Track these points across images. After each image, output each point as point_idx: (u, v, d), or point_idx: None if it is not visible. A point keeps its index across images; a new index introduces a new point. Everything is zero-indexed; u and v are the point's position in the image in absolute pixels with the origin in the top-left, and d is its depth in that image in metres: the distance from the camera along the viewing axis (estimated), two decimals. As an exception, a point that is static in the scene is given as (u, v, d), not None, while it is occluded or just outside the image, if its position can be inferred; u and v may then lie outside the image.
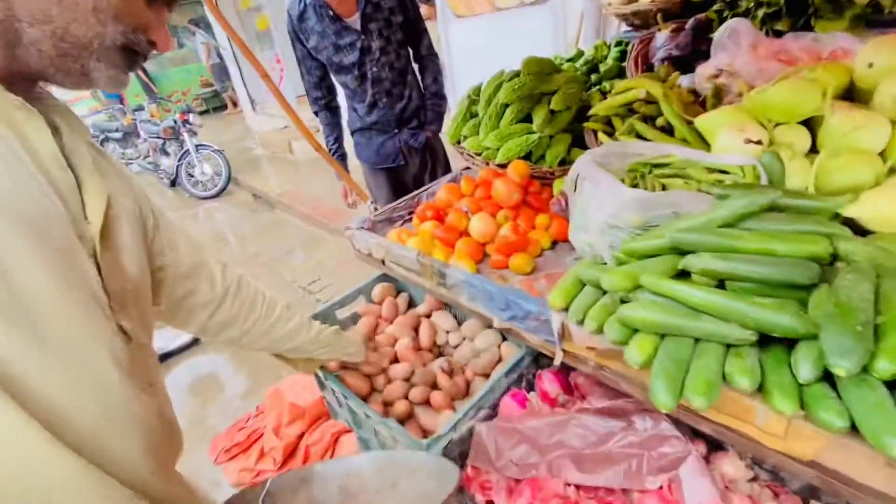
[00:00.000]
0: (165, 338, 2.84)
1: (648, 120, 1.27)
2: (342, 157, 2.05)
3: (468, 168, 1.57)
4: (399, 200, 1.46)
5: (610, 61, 1.82)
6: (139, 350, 0.60)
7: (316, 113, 2.00)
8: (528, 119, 1.43)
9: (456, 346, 1.34)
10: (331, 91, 1.99)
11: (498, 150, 1.40)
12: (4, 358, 0.43)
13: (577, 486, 0.83)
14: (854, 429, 0.55)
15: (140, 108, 6.45)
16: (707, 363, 0.64)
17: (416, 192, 1.49)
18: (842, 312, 0.58)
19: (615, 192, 0.90)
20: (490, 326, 1.33)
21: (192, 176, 5.48)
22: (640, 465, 0.83)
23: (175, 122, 5.36)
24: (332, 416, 1.43)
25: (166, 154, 5.71)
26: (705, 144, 1.12)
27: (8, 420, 0.43)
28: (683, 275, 0.76)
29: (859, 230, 0.79)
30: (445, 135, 1.62)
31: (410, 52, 2.02)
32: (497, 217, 1.21)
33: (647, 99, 1.28)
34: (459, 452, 0.92)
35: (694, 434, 0.90)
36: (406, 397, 1.12)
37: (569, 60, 1.98)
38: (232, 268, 0.89)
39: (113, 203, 0.59)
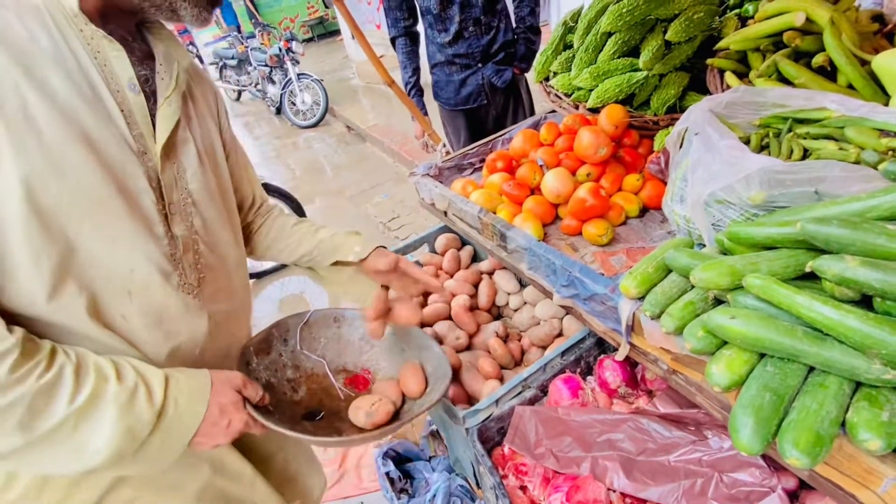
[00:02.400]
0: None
1: (802, 57, 0.96)
2: (419, 93, 1.93)
3: (554, 112, 1.37)
4: (471, 146, 1.33)
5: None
6: (191, 253, 0.69)
7: (394, 40, 1.87)
8: (635, 53, 1.18)
9: (516, 310, 1.25)
10: (412, 13, 1.83)
11: (591, 91, 1.19)
12: (72, 230, 0.55)
13: (623, 495, 0.73)
14: None
15: (252, 36, 6.74)
16: (821, 405, 0.48)
17: (491, 137, 1.34)
18: None
19: (734, 156, 0.69)
20: (555, 295, 1.21)
21: (294, 104, 5.72)
22: (707, 486, 0.70)
23: (280, 49, 5.53)
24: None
25: (272, 82, 5.99)
26: (884, 96, 0.82)
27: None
28: (808, 281, 0.57)
29: None
30: (534, 71, 1.42)
31: None
32: (577, 174, 1.04)
33: (805, 28, 0.96)
34: (498, 429, 0.87)
35: (780, 468, 0.74)
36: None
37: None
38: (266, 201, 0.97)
39: (185, 127, 0.68)
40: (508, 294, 1.27)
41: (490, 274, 1.33)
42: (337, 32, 9.71)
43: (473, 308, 1.25)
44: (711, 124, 0.76)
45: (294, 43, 5.57)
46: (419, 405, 0.81)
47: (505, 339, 1.16)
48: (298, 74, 5.52)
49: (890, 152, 0.69)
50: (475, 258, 1.43)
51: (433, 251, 1.44)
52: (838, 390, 0.50)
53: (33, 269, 0.53)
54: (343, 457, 1.76)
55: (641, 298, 0.71)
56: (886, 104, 0.80)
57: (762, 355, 0.56)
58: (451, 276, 1.32)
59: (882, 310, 0.51)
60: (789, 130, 0.84)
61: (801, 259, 0.57)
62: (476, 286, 1.30)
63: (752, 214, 0.68)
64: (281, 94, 5.70)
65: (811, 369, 0.54)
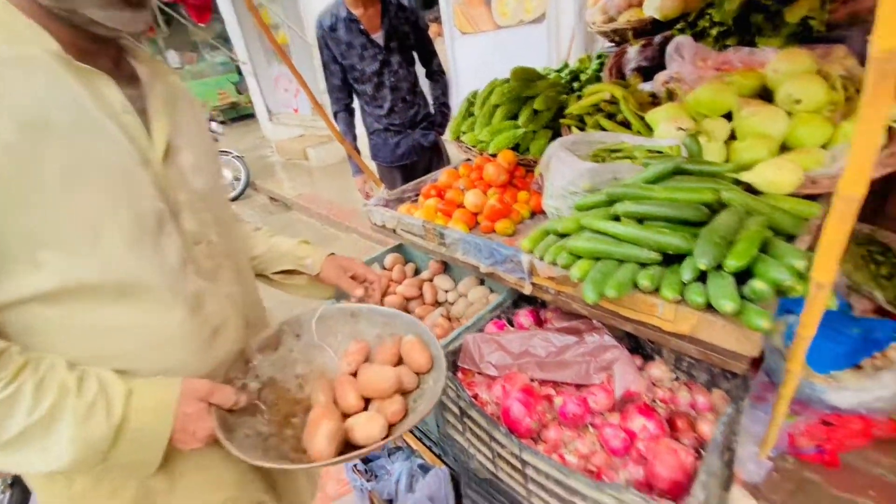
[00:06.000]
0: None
1: (611, 117, 1.56)
2: (358, 154, 2.37)
3: (468, 160, 1.86)
4: (408, 184, 1.75)
5: (590, 72, 2.12)
6: (204, 244, 0.76)
7: (335, 114, 2.31)
8: (515, 117, 1.73)
9: (453, 303, 1.62)
10: (350, 94, 2.31)
11: (490, 142, 1.70)
12: (106, 239, 0.62)
13: (540, 382, 1.09)
14: (716, 312, 0.82)
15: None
16: (623, 274, 0.92)
17: (421, 179, 1.78)
18: (710, 232, 0.86)
19: (573, 165, 1.18)
20: (482, 283, 1.60)
21: (214, 180, 5.84)
22: (589, 367, 1.09)
23: (199, 129, 5.75)
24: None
25: (190, 160, 6.08)
26: (652, 133, 1.40)
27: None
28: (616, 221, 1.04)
29: (756, 193, 1.07)
30: (448, 134, 1.92)
31: (418, 70, 2.37)
32: (487, 193, 1.49)
33: (611, 100, 1.57)
34: (453, 361, 1.19)
35: (632, 351, 1.17)
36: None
37: (557, 71, 2.28)
38: None
39: (177, 135, 0.74)
40: (446, 291, 1.64)
41: (430, 280, 1.70)
42: (251, 116, 10.10)
43: (422, 304, 1.59)
44: (561, 150, 1.26)
45: (213, 123, 5.83)
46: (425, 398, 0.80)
47: (448, 319, 1.50)
48: (219, 151, 5.73)
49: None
50: (417, 272, 1.79)
51: (383, 268, 1.77)
52: (632, 268, 0.94)
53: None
54: (306, 473, 1.87)
55: (532, 253, 1.13)
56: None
57: (597, 259, 0.99)
58: (401, 283, 1.66)
59: (648, 225, 0.97)
60: (609, 155, 1.38)
61: (609, 210, 1.04)
62: (420, 289, 1.65)
63: (588, 196, 1.16)
64: (199, 171, 5.80)
65: (622, 262, 0.98)
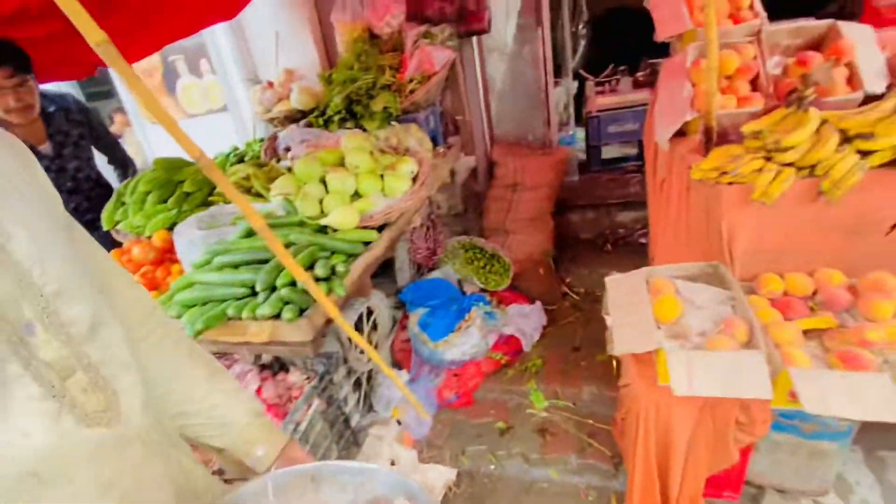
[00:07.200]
0: None
1: (249, 190, 1.91)
2: None
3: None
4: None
5: (251, 153, 2.48)
6: (80, 371, 0.52)
7: None
8: (168, 201, 1.90)
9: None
10: None
11: (146, 225, 1.82)
12: None
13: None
14: (278, 318, 1.16)
15: None
16: (219, 311, 1.19)
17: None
18: (270, 266, 1.22)
19: (189, 235, 1.43)
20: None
21: None
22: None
23: None
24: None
25: None
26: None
27: None
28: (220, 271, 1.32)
29: (336, 230, 1.52)
30: (103, 222, 1.95)
31: (101, 158, 2.29)
32: (138, 272, 1.61)
33: (246, 177, 1.92)
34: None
35: (280, 369, 1.46)
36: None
37: (226, 155, 2.57)
38: None
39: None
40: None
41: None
42: None
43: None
44: (182, 226, 1.50)
45: None
46: None
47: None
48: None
49: (265, 220, 1.60)
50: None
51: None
52: (226, 305, 1.22)
53: None
54: None
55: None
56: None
57: (206, 304, 1.24)
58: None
59: (242, 269, 1.29)
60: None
61: (213, 264, 1.32)
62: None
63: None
64: None
65: (224, 301, 1.25)
